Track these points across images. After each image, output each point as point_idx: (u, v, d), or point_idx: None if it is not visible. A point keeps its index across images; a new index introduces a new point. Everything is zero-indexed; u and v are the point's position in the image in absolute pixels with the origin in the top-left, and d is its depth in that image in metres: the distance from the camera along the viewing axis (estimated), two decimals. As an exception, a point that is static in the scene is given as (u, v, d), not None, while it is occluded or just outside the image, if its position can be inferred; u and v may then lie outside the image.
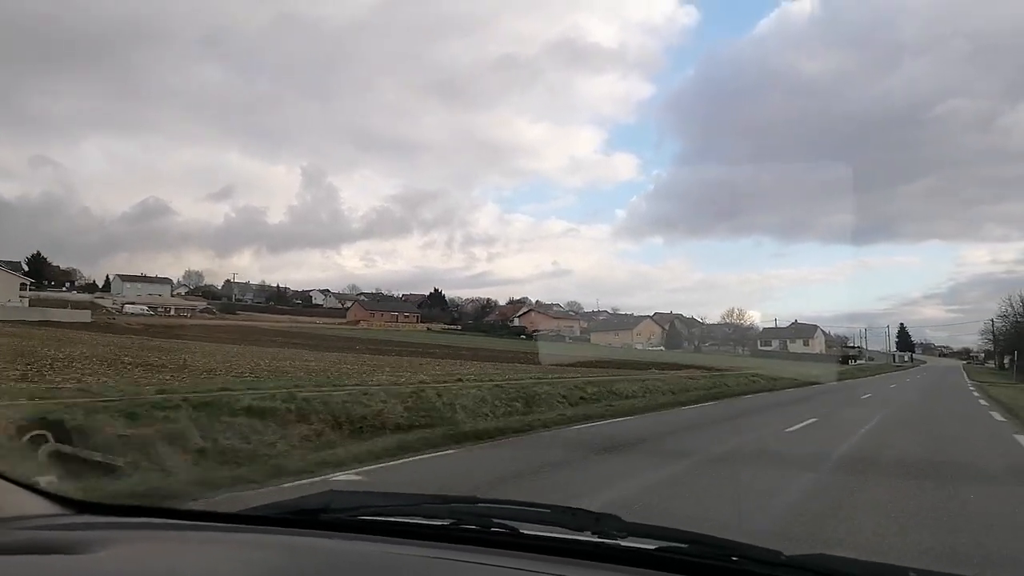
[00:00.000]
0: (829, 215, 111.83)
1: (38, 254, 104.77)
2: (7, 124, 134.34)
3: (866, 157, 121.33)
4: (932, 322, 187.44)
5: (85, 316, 63.14)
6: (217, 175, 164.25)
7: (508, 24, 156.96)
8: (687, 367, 43.21)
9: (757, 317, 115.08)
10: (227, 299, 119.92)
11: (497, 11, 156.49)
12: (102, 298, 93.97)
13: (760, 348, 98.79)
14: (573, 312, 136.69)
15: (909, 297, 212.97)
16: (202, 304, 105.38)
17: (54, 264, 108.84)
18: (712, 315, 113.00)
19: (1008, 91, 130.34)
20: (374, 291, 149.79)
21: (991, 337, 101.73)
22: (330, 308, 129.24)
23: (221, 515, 2.13)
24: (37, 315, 58.20)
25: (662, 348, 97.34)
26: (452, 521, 1.88)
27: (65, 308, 65.87)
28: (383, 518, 1.96)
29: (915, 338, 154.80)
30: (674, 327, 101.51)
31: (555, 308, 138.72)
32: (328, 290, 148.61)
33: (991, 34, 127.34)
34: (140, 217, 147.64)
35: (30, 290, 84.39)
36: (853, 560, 1.57)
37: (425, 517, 1.95)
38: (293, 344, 45.57)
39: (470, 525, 1.85)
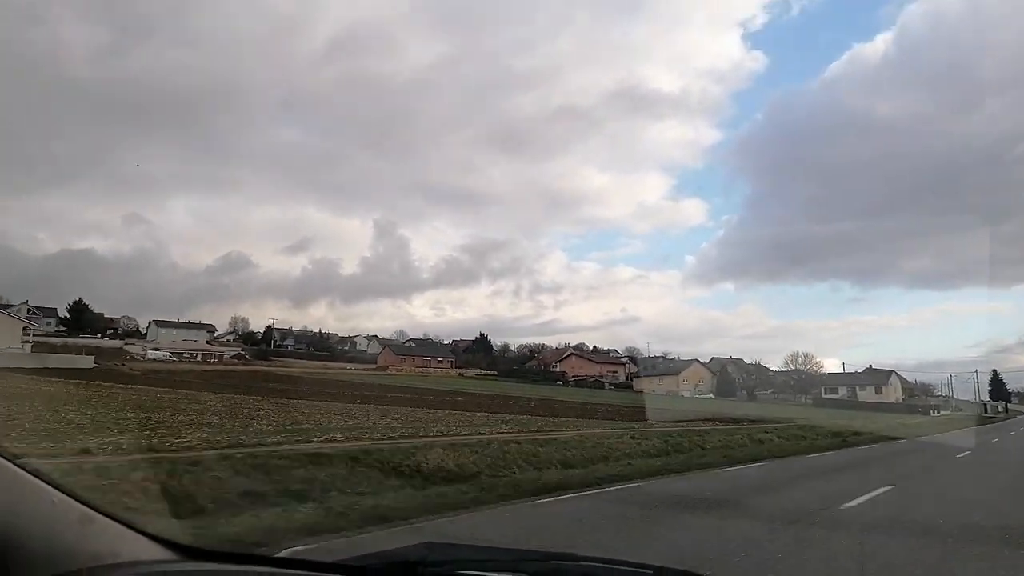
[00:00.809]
0: (910, 259, 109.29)
1: (79, 300, 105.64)
2: (104, 184, 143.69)
3: (948, 200, 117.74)
4: None
5: (88, 362, 60.97)
6: (294, 229, 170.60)
7: (572, 75, 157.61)
8: (704, 419, 36.17)
9: (832, 364, 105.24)
10: (266, 345, 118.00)
11: (561, 63, 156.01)
12: (132, 344, 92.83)
13: (824, 396, 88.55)
14: (627, 357, 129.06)
15: (1003, 344, 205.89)
16: (234, 350, 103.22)
17: (98, 312, 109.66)
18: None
19: None
20: (423, 336, 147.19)
21: None
22: (374, 354, 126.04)
23: (321, 564, 2.13)
24: (34, 362, 56.17)
25: (712, 396, 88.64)
26: None
27: (78, 354, 64.01)
28: (483, 573, 1.90)
29: (1011, 386, 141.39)
30: (726, 373, 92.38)
31: (611, 353, 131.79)
32: (376, 336, 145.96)
33: None
34: (223, 270, 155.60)
35: (63, 336, 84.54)
36: None
37: (526, 574, 1.92)
38: (280, 393, 40.56)
39: None
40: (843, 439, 24.92)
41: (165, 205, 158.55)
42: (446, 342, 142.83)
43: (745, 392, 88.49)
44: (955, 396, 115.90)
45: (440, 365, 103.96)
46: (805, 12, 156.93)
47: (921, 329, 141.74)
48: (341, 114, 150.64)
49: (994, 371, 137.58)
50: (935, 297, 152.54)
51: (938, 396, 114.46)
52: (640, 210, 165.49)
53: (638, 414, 37.01)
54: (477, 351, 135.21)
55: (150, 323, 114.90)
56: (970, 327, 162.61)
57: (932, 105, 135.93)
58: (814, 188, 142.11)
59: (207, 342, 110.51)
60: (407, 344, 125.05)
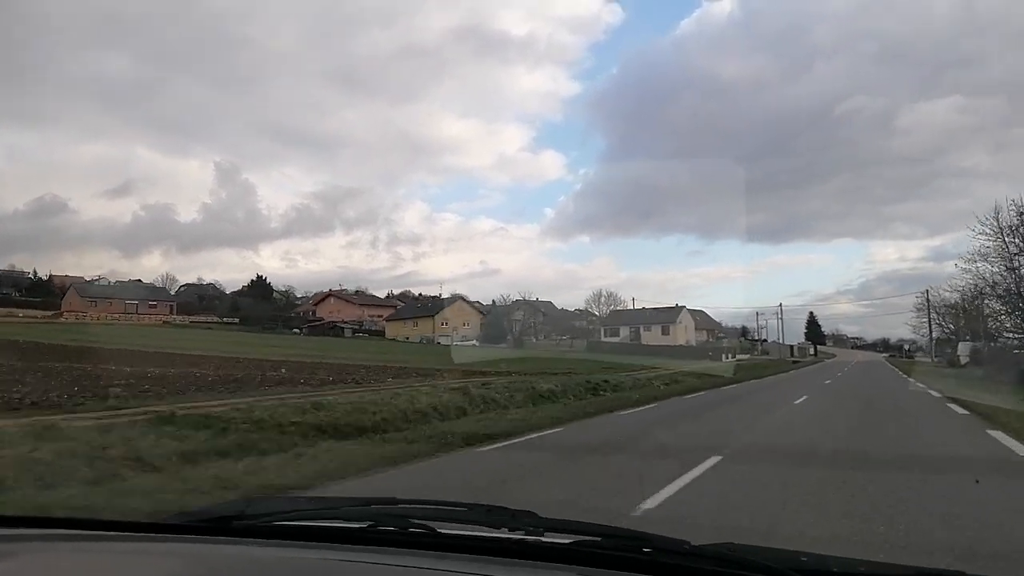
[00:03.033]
0: (748, 214, 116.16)
1: None
2: None
3: (782, 157, 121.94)
4: (846, 317, 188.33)
5: None
6: (123, 171, 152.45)
7: (428, 14, 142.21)
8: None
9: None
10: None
11: (419, 3, 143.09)
12: None
13: (604, 339, 74.77)
14: (424, 300, 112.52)
15: (823, 293, 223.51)
16: None
17: None
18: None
19: (910, 92, 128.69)
20: (197, 282, 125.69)
21: (937, 319, 74.33)
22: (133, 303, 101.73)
23: (129, 524, 2.06)
24: None
25: (475, 343, 72.45)
26: (370, 523, 1.83)
27: None
28: (300, 523, 1.89)
29: (827, 329, 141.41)
30: (495, 315, 76.09)
31: (418, 300, 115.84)
32: (138, 280, 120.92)
33: (897, 35, 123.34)
34: (35, 215, 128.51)
35: None
36: (755, 547, 1.59)
37: (344, 520, 1.91)
38: None
39: (388, 527, 1.81)
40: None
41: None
42: (228, 291, 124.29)
43: (511, 338, 72.87)
44: (766, 338, 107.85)
45: (153, 311, 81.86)
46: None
47: (754, 280, 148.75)
48: (171, 41, 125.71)
49: (810, 313, 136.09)
50: (767, 250, 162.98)
51: (757, 340, 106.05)
52: (500, 161, 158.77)
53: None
54: (253, 296, 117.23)
55: None
56: (797, 278, 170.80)
57: (769, 67, 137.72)
58: (663, 143, 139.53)
59: None
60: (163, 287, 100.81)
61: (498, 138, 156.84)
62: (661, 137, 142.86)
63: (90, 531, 1.99)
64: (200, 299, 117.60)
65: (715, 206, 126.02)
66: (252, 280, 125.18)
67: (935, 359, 71.10)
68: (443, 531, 1.73)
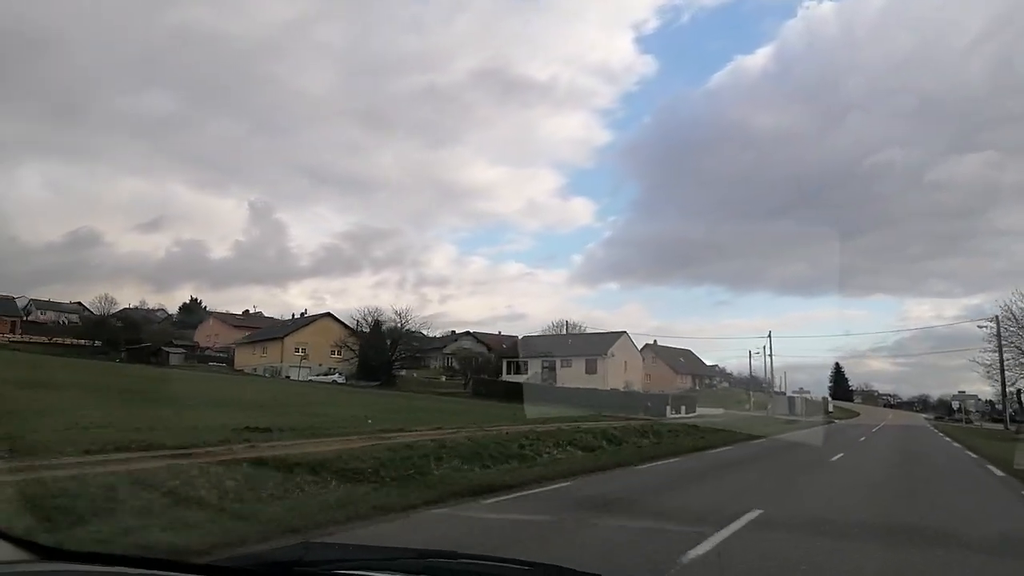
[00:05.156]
0: (780, 267, 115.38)
1: None
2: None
3: (815, 211, 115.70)
4: (881, 374, 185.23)
5: None
6: (160, 208, 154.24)
7: (465, 62, 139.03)
8: None
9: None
10: None
11: (454, 50, 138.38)
12: None
13: (505, 377, 56.00)
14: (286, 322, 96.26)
15: (857, 349, 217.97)
16: None
17: None
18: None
19: (945, 148, 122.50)
20: (139, 306, 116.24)
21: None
22: None
23: (192, 566, 2.05)
24: None
25: (339, 377, 54.54)
26: None
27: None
28: (359, 572, 1.88)
29: (858, 384, 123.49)
30: (376, 340, 57.59)
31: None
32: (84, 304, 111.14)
33: (932, 90, 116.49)
34: (69, 247, 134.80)
35: None
36: None
37: (403, 573, 1.90)
38: None
39: None
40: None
41: (9, 172, 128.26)
42: (161, 313, 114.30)
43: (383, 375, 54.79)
44: (784, 390, 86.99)
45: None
46: (695, 20, 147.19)
47: (786, 334, 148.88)
48: (214, 82, 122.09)
49: (836, 364, 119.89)
50: (800, 303, 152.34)
51: (752, 390, 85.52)
52: (530, 206, 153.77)
53: None
54: (183, 323, 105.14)
55: None
56: (829, 333, 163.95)
57: (803, 119, 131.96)
58: (695, 194, 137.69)
59: None
60: None
61: (529, 184, 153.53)
62: (692, 187, 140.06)
63: (149, 570, 1.92)
64: (124, 321, 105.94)
65: (747, 258, 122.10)
66: (184, 304, 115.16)
67: (1011, 426, 48.14)
68: None
